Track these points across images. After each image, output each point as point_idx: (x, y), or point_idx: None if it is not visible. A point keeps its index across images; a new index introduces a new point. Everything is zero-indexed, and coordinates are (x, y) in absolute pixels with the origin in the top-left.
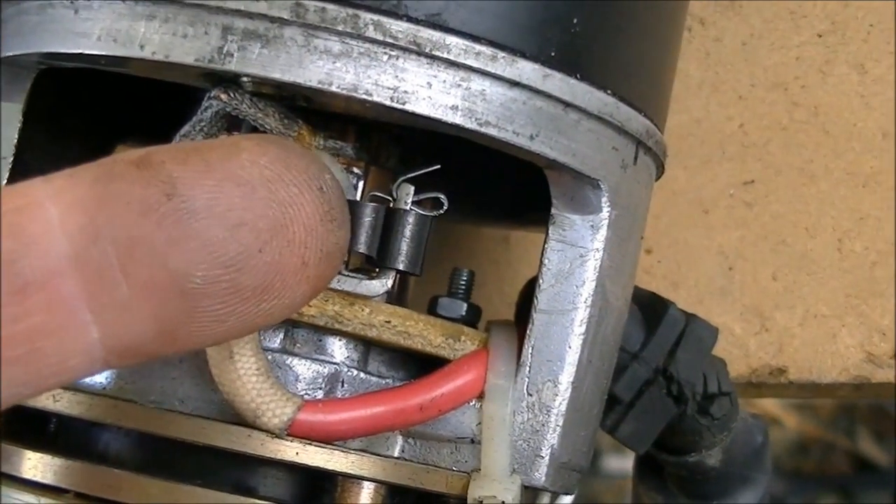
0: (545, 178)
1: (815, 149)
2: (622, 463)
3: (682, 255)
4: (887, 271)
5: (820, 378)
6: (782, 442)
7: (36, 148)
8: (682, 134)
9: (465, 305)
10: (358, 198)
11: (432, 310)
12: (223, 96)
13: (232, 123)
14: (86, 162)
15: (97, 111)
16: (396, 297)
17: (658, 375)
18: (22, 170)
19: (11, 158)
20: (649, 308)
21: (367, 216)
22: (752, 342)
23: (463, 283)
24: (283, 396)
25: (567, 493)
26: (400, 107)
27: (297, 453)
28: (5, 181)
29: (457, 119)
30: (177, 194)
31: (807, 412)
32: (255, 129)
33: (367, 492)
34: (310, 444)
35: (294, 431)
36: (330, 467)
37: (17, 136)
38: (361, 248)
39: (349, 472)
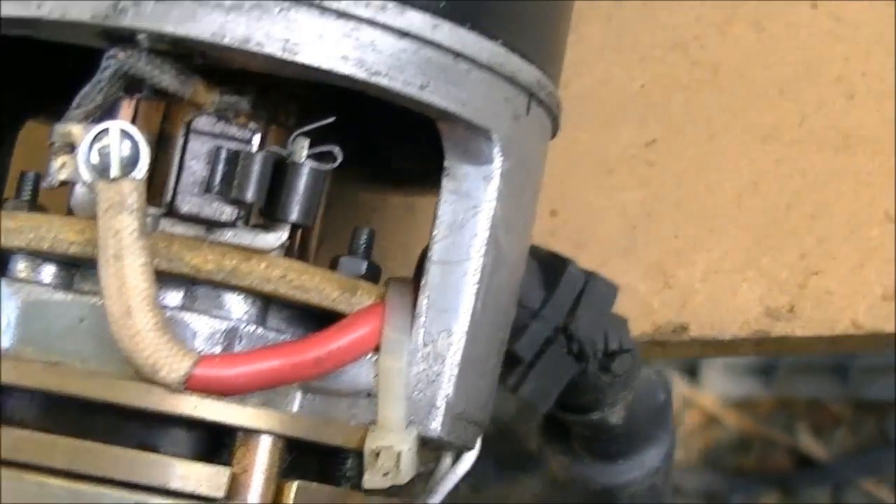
0: None
1: (715, 107)
2: None
3: (587, 215)
4: (785, 226)
5: (721, 334)
6: (723, 440)
7: None
8: (585, 96)
9: (364, 264)
10: (255, 150)
11: (333, 269)
12: (120, 55)
13: (132, 84)
14: None
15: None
16: (297, 255)
17: (559, 334)
18: None
19: None
20: (549, 266)
21: (257, 166)
22: (656, 300)
23: (363, 241)
24: (180, 352)
25: (467, 448)
26: (291, 58)
27: (195, 407)
28: None
29: (347, 69)
30: None
31: (746, 409)
32: (153, 88)
33: (264, 445)
34: (207, 398)
35: (192, 385)
36: (227, 421)
37: None
38: (249, 198)
39: (246, 425)
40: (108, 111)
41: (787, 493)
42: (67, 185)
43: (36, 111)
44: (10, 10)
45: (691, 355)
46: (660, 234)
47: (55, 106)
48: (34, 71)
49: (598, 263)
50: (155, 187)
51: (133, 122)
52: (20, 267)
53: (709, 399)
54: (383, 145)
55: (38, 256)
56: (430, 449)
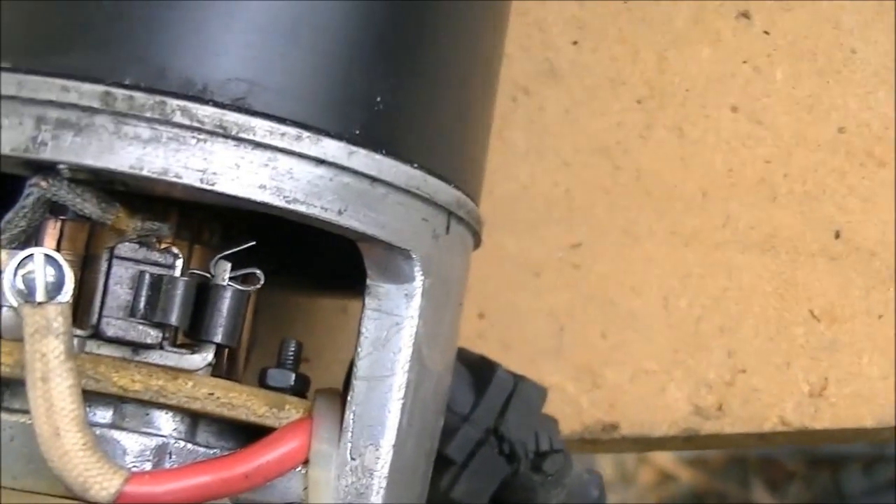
0: None
1: (639, 210)
2: None
3: (514, 318)
4: (711, 326)
5: (651, 432)
6: (678, 496)
7: None
8: (510, 200)
9: (293, 375)
10: (178, 275)
11: (262, 381)
12: (42, 183)
13: (55, 208)
14: None
15: None
16: (227, 370)
17: (489, 436)
18: None
19: None
20: (478, 370)
21: (180, 291)
22: (585, 399)
23: (291, 353)
24: (111, 470)
25: None
26: (209, 188)
27: None
28: None
29: (265, 197)
30: None
31: (699, 465)
32: (76, 214)
33: None
34: None
35: (122, 502)
36: None
37: None
38: (173, 321)
39: None
40: (34, 232)
41: None
42: None
43: None
44: None
45: (622, 451)
46: (587, 335)
47: None
48: None
49: (526, 364)
50: (83, 306)
51: (59, 242)
52: None
53: (663, 455)
54: (311, 254)
55: None
56: None
